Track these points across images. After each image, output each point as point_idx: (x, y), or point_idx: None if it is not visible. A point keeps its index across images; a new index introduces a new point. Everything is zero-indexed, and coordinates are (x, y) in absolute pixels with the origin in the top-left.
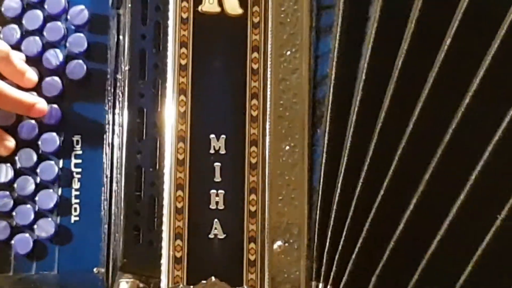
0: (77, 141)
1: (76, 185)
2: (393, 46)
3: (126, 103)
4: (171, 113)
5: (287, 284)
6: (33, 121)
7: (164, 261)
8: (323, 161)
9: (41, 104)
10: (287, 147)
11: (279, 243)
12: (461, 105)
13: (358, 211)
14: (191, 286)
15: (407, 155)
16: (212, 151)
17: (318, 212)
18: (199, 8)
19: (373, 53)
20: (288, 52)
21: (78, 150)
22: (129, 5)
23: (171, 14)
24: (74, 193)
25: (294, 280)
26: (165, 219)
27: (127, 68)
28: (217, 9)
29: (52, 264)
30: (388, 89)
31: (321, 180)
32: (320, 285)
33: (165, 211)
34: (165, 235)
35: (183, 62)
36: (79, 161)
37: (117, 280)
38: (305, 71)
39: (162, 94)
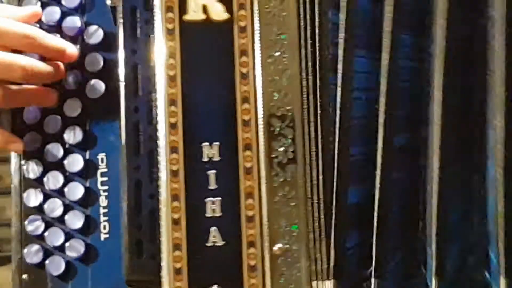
0: (102, 159)
1: (103, 203)
2: None
3: (123, 119)
4: (162, 125)
5: (290, 286)
6: (58, 144)
7: (164, 273)
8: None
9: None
10: (281, 148)
11: (279, 245)
12: None
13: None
14: None
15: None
16: (205, 159)
17: (318, 210)
18: (184, 18)
19: None
20: (277, 53)
21: (103, 168)
22: (121, 21)
23: (157, 26)
24: (102, 211)
25: (296, 281)
26: (163, 230)
27: (122, 83)
28: (202, 16)
29: (86, 283)
30: None
31: (320, 178)
32: (327, 282)
33: (163, 222)
34: (164, 247)
35: (171, 73)
36: (105, 178)
37: None
38: (295, 70)
39: (154, 107)
